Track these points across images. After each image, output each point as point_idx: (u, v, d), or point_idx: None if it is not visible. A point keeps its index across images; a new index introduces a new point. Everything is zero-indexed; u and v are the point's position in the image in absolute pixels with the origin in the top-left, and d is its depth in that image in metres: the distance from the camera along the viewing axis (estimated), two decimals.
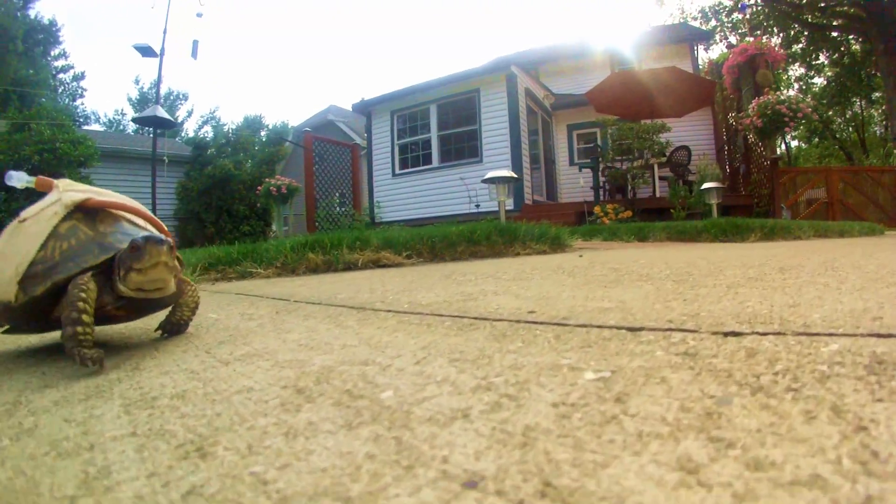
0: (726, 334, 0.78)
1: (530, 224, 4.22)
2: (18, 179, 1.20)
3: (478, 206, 9.94)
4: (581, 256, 3.16)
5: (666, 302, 1.13)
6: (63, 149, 11.46)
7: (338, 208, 10.92)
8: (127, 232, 1.04)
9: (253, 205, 15.12)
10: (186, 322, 1.27)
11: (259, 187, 10.69)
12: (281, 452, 0.49)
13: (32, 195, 1.16)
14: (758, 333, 0.77)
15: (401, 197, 12.30)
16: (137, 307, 1.09)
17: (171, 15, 18.25)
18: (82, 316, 0.92)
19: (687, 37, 15.40)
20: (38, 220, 1.08)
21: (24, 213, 1.14)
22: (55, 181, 1.18)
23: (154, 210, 10.70)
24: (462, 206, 10.86)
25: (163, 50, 11.44)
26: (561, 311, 1.05)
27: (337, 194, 11.03)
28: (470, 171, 10.76)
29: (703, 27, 20.55)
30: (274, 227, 15.82)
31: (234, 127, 24.83)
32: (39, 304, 1.02)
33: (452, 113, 11.81)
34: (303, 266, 3.94)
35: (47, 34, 32.71)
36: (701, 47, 16.49)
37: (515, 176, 6.73)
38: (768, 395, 0.51)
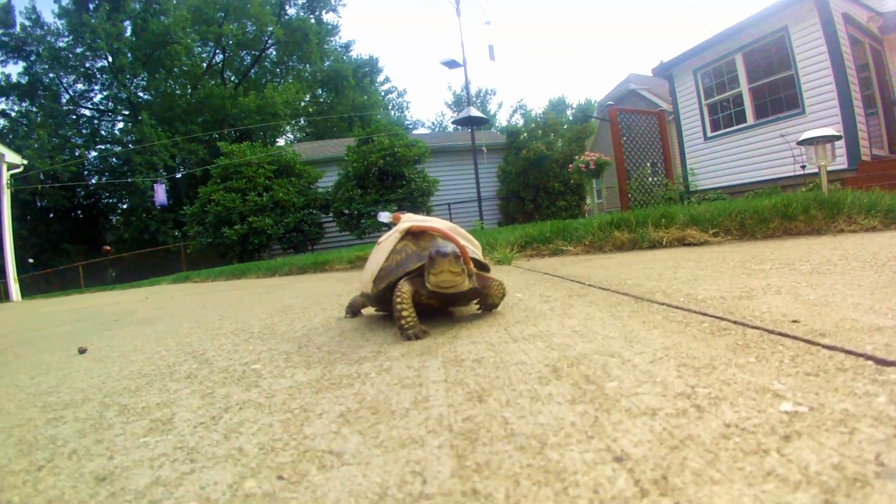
0: None
1: (858, 192, 3.49)
2: (385, 217, 1.89)
3: (804, 166, 8.30)
4: None
5: None
6: (401, 152, 14.13)
7: (650, 178, 10.55)
8: (437, 246, 1.43)
9: (566, 181, 15.75)
10: (495, 305, 1.70)
11: (570, 164, 11.11)
12: (523, 408, 0.76)
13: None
14: None
15: (715, 162, 11.12)
16: (444, 300, 1.53)
17: (465, 29, 20.78)
18: (402, 311, 1.40)
19: None
20: (387, 241, 1.66)
21: (381, 238, 1.77)
22: (402, 215, 1.74)
23: (478, 193, 12.21)
24: (786, 167, 9.21)
25: (464, 60, 13.23)
26: (827, 323, 1.03)
27: (648, 164, 10.64)
28: (791, 126, 9.00)
29: None
30: (588, 201, 16.18)
31: (540, 112, 25.94)
32: (384, 295, 1.56)
33: (762, 60, 9.95)
34: (609, 244, 4.09)
35: (371, 67, 40.87)
36: None
37: (837, 134, 5.38)
38: None
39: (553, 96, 49.72)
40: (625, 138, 10.43)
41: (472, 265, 1.49)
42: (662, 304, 1.48)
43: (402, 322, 1.40)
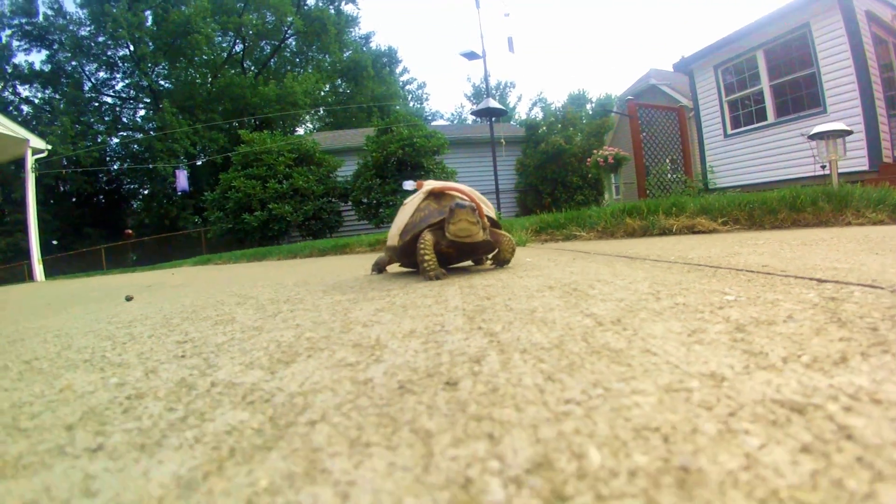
0: None
1: (867, 187, 3.61)
2: (409, 185, 2.11)
3: (823, 166, 8.30)
4: None
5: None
6: (419, 142, 14.27)
7: (669, 175, 10.56)
8: (456, 201, 1.63)
9: (585, 175, 15.77)
10: (507, 259, 1.89)
11: (589, 159, 11.16)
12: (520, 301, 0.98)
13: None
14: None
15: (735, 160, 10.91)
16: (461, 249, 1.73)
17: (484, 20, 20.60)
18: (425, 255, 1.62)
19: None
20: (411, 202, 1.88)
21: (406, 200, 2.00)
22: (424, 182, 1.93)
23: (496, 185, 12.33)
24: (807, 166, 9.18)
25: (483, 52, 13.20)
26: (791, 267, 1.21)
27: (667, 160, 10.63)
28: (812, 125, 8.94)
29: None
30: (606, 196, 16.20)
31: (560, 105, 25.95)
32: (409, 246, 1.78)
33: (783, 57, 9.75)
34: (620, 230, 4.24)
35: (390, 58, 41.16)
36: None
37: (847, 129, 5.37)
38: None
39: (573, 90, 49.63)
40: (644, 134, 10.39)
41: (486, 220, 1.69)
42: (653, 260, 1.67)
43: (425, 265, 1.61)
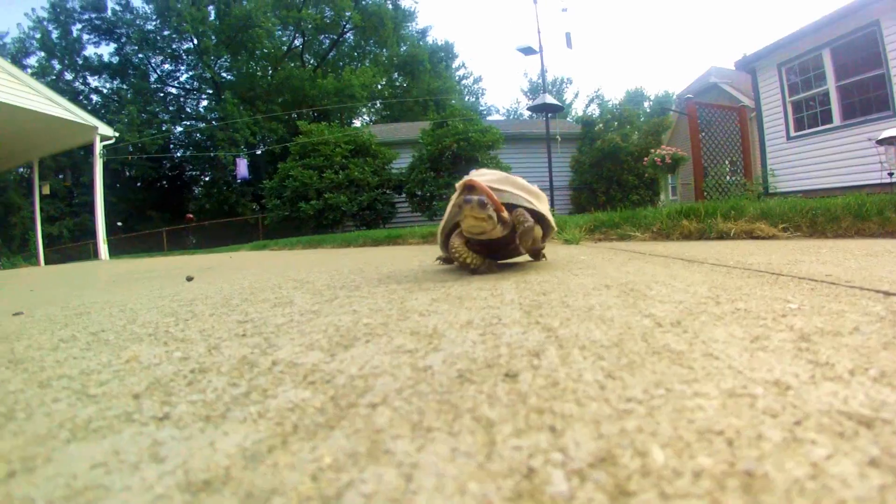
0: None
1: None
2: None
3: (891, 173, 7.74)
4: None
5: None
6: (474, 137, 14.25)
7: (728, 177, 10.14)
8: (466, 195, 1.52)
9: (641, 175, 15.38)
10: (538, 251, 1.84)
11: (646, 158, 10.87)
12: (577, 298, 0.96)
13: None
14: None
15: (797, 163, 10.27)
16: (488, 247, 1.63)
17: (541, 16, 20.20)
18: (460, 257, 1.56)
19: None
20: (453, 196, 1.81)
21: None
22: (473, 171, 1.85)
23: (550, 182, 12.17)
24: (874, 173, 8.56)
25: (541, 47, 13.01)
26: (856, 278, 1.15)
27: (727, 162, 10.20)
28: (880, 129, 8.29)
29: None
30: (662, 197, 15.77)
31: (617, 102, 25.35)
32: (446, 246, 1.72)
33: (850, 57, 9.07)
34: (676, 232, 4.12)
35: (446, 52, 41.19)
36: None
37: None
38: None
39: (630, 87, 48.43)
40: (703, 134, 10.02)
41: (504, 212, 1.54)
42: (711, 263, 1.62)
43: (459, 261, 1.57)
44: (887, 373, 0.48)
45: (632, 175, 15.90)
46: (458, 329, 0.75)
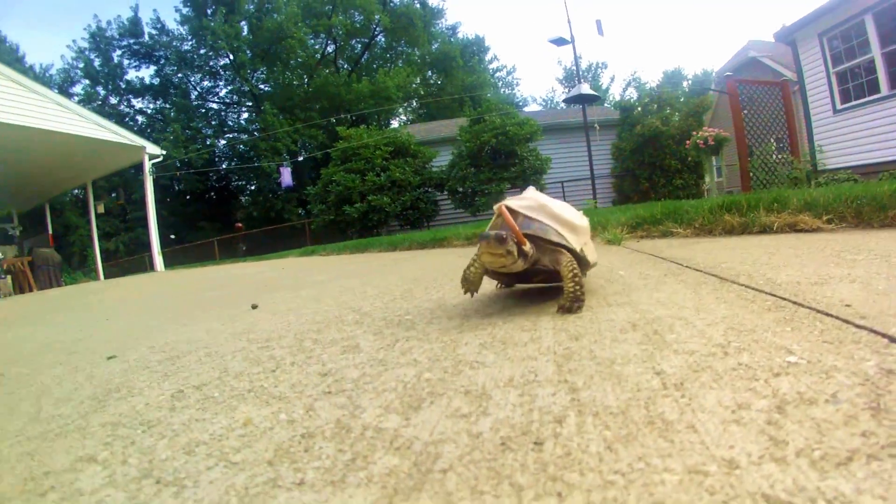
0: None
1: None
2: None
3: None
4: None
5: None
6: (512, 131, 14.31)
7: (774, 156, 9.80)
8: (521, 225, 1.58)
9: (683, 158, 15.08)
10: (568, 308, 1.66)
11: (688, 141, 10.66)
12: (604, 345, 1.12)
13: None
14: None
15: (846, 137, 9.91)
16: (510, 278, 1.78)
17: (571, 2, 19.86)
18: (462, 280, 1.72)
19: None
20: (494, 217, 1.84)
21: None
22: (519, 195, 1.87)
23: (591, 171, 12.09)
24: None
25: (572, 37, 13.02)
26: (874, 309, 1.16)
27: (772, 140, 9.84)
28: None
29: None
30: (706, 180, 15.38)
31: (655, 85, 24.74)
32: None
33: (894, 22, 8.77)
34: (718, 227, 4.13)
35: (478, 46, 41.05)
36: None
37: None
38: None
39: (668, 68, 47.13)
40: (745, 112, 9.68)
41: (527, 245, 1.53)
42: (742, 285, 1.72)
43: (465, 272, 1.71)
44: (828, 455, 0.57)
45: (674, 159, 15.61)
46: (502, 388, 0.92)
